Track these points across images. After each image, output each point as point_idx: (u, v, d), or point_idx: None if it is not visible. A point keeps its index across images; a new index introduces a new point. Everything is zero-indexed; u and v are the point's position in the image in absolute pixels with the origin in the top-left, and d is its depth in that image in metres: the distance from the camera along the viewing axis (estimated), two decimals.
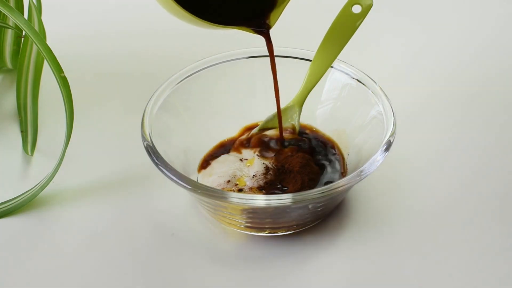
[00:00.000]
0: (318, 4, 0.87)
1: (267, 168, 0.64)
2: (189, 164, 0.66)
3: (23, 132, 0.72)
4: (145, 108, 0.65)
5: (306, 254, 0.62)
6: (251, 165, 0.65)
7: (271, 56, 0.65)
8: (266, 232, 0.63)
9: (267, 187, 0.63)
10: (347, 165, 0.66)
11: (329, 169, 0.65)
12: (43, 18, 0.73)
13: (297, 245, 0.62)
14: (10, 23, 0.73)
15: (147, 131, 0.63)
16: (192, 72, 0.68)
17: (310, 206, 0.60)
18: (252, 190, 0.63)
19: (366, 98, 0.66)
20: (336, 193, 0.59)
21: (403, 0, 0.90)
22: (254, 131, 0.68)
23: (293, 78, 0.67)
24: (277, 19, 0.64)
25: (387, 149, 0.61)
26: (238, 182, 0.64)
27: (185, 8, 0.58)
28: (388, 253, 0.62)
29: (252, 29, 0.63)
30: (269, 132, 0.67)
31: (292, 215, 0.61)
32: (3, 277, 0.61)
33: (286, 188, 0.63)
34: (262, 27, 0.63)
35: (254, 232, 0.63)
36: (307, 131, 0.69)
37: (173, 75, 0.67)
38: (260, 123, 0.68)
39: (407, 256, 0.62)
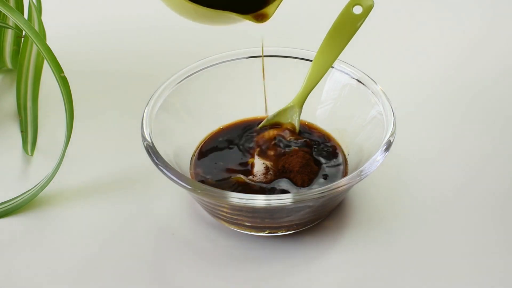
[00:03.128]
0: (319, 5, 0.87)
1: (267, 168, 0.64)
2: (189, 164, 0.66)
3: (23, 132, 0.72)
4: (145, 108, 0.65)
5: (306, 254, 0.62)
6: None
7: None
8: (266, 232, 0.62)
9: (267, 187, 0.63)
10: (347, 165, 0.65)
11: (329, 169, 0.65)
12: (43, 18, 0.73)
13: (297, 245, 0.62)
14: (10, 23, 0.73)
15: (147, 131, 0.63)
16: (192, 72, 0.68)
17: (310, 206, 0.60)
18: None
19: (366, 98, 0.66)
20: (336, 193, 0.59)
21: (404, 0, 0.90)
22: None
23: (293, 78, 0.67)
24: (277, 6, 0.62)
25: (387, 149, 0.61)
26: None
27: None
28: (388, 253, 0.62)
29: (252, 17, 0.62)
30: (269, 132, 0.67)
31: (292, 215, 0.61)
32: (4, 277, 0.61)
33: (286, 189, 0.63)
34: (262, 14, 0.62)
35: (254, 232, 0.63)
36: (307, 131, 0.68)
37: (173, 75, 0.67)
38: (261, 123, 0.68)
39: (407, 256, 0.62)
